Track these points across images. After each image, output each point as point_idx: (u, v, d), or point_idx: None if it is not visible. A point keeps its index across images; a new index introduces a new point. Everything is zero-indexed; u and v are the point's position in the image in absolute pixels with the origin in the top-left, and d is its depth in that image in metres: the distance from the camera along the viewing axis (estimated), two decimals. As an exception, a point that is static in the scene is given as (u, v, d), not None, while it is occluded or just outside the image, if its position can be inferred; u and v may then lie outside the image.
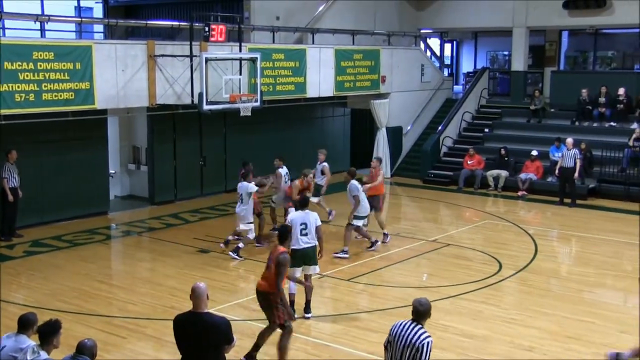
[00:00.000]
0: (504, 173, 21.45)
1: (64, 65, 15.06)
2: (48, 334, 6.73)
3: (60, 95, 15.09)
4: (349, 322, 10.97)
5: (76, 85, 15.30)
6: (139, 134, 19.74)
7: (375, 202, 15.31)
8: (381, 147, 23.91)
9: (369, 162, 23.95)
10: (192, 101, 16.33)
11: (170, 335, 6.93)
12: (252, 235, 14.51)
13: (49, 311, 10.90)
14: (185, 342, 6.75)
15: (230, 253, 14.28)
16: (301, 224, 11.00)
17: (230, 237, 14.66)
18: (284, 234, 9.65)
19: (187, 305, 6.89)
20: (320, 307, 11.49)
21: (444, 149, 24.17)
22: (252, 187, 14.33)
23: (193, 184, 19.92)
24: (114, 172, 19.17)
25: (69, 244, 15.40)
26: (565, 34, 27.57)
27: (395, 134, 24.40)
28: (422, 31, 27.99)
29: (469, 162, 22.06)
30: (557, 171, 19.97)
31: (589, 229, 17.26)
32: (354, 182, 14.43)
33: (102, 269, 13.84)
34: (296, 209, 11.62)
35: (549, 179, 20.89)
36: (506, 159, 21.75)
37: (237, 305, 11.67)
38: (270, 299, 9.13)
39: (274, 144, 20.88)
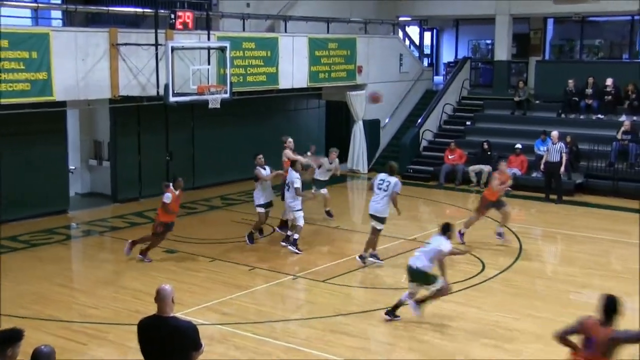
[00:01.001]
0: (486, 168, 21.52)
1: (19, 54, 14.94)
2: (7, 341, 6.59)
3: (16, 86, 14.95)
4: (324, 326, 10.96)
5: (32, 76, 15.17)
6: (100, 128, 19.59)
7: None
8: (358, 141, 23.96)
9: (345, 156, 24.26)
10: (158, 93, 16.28)
11: (134, 341, 6.87)
12: (301, 222, 14.71)
13: (5, 317, 10.80)
14: (150, 348, 6.70)
15: (290, 247, 14.63)
16: (427, 243, 11.22)
17: (289, 232, 15.05)
18: (613, 309, 7.34)
19: (153, 309, 6.83)
20: (293, 309, 11.47)
21: (423, 143, 24.24)
22: (296, 178, 14.59)
23: (159, 181, 19.67)
24: (74, 168, 19.03)
25: (26, 245, 15.26)
26: (550, 22, 27.80)
27: (372, 127, 24.47)
28: (400, 19, 28.08)
29: (450, 157, 22.15)
30: (542, 166, 20.04)
31: (575, 227, 17.40)
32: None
33: (61, 271, 13.73)
34: (441, 233, 11.35)
35: (534, 174, 21.01)
36: (489, 153, 21.85)
37: (206, 309, 11.63)
38: None
39: (244, 137, 20.82)
